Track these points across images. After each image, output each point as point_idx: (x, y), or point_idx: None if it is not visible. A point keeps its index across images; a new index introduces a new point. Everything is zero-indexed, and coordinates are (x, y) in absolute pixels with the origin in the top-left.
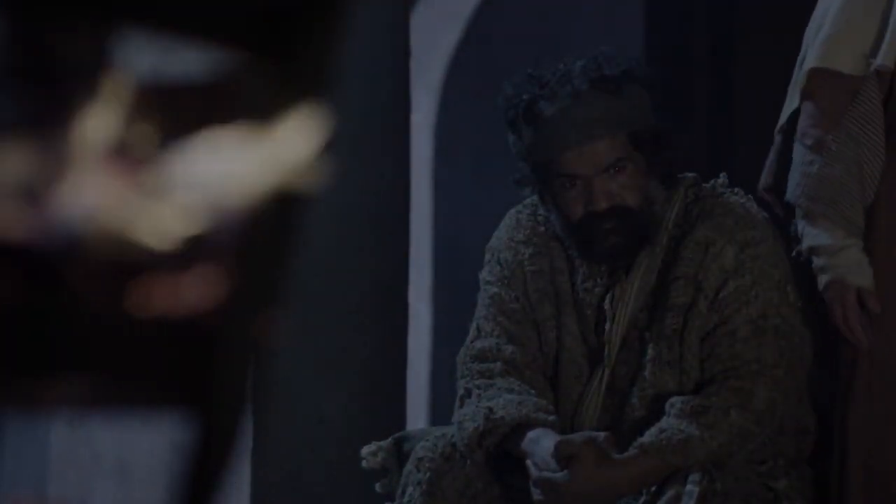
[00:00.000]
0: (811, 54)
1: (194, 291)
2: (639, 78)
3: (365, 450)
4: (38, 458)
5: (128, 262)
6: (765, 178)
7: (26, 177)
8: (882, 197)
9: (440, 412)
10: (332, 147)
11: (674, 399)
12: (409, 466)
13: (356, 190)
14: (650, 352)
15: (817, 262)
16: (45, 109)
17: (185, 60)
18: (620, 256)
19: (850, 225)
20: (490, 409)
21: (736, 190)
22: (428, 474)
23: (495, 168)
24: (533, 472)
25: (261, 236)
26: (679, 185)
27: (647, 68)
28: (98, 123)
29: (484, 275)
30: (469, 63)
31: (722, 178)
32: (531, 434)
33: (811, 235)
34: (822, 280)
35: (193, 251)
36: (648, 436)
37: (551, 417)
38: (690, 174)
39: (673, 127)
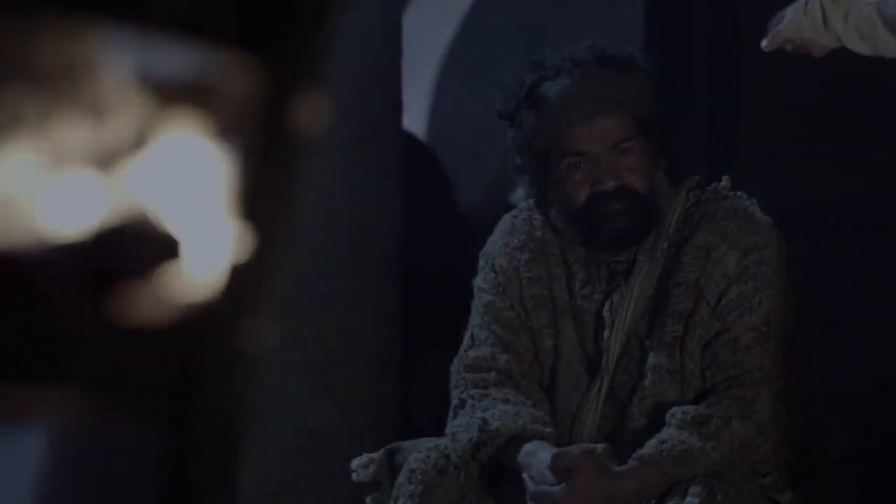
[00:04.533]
0: None
1: (178, 299)
2: (643, 67)
3: (355, 462)
4: (19, 470)
5: (110, 269)
6: None
7: (7, 181)
8: None
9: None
10: (322, 148)
11: (674, 409)
12: (401, 478)
13: (346, 193)
14: (650, 360)
15: None
16: (28, 110)
17: (171, 59)
18: (626, 241)
19: None
20: (485, 420)
21: (739, 193)
22: (420, 487)
23: (488, 169)
24: (529, 485)
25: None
26: (681, 187)
27: (650, 60)
28: (83, 124)
29: (478, 282)
30: (461, 64)
31: (724, 181)
32: (527, 446)
33: None
34: None
35: (176, 258)
36: (648, 447)
37: (548, 429)
38: (692, 176)
39: (679, 117)
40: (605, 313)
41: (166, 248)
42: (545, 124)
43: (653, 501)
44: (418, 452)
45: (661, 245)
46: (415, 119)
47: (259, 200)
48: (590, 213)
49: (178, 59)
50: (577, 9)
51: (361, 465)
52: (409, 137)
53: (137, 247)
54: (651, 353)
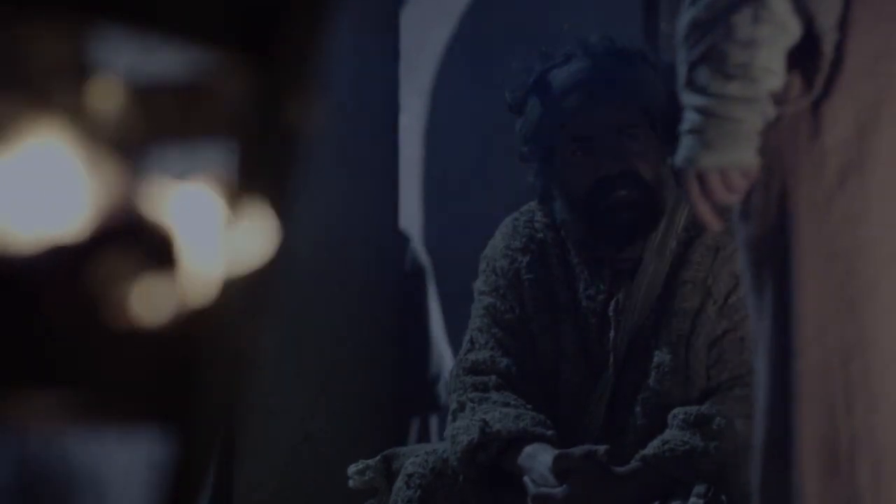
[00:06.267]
0: None
1: (175, 304)
2: (653, 63)
3: (352, 468)
4: (12, 474)
5: (106, 272)
6: None
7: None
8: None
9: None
10: (319, 149)
11: (677, 409)
12: (399, 483)
13: (343, 194)
14: (655, 358)
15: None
16: (22, 112)
17: (165, 60)
18: (631, 235)
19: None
20: (485, 422)
21: None
22: (419, 491)
23: (486, 171)
24: (531, 488)
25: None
26: None
27: (658, 57)
28: (78, 126)
29: (478, 284)
30: (459, 65)
31: None
32: (528, 449)
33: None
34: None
35: (174, 262)
36: (651, 448)
37: (549, 432)
38: None
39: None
40: (611, 313)
41: (165, 250)
42: (552, 109)
43: (656, 502)
44: (416, 457)
45: (669, 243)
46: (413, 119)
47: (255, 202)
48: (595, 202)
49: (174, 59)
50: (577, 9)
51: (357, 472)
52: (406, 137)
53: (136, 249)
54: (656, 352)
